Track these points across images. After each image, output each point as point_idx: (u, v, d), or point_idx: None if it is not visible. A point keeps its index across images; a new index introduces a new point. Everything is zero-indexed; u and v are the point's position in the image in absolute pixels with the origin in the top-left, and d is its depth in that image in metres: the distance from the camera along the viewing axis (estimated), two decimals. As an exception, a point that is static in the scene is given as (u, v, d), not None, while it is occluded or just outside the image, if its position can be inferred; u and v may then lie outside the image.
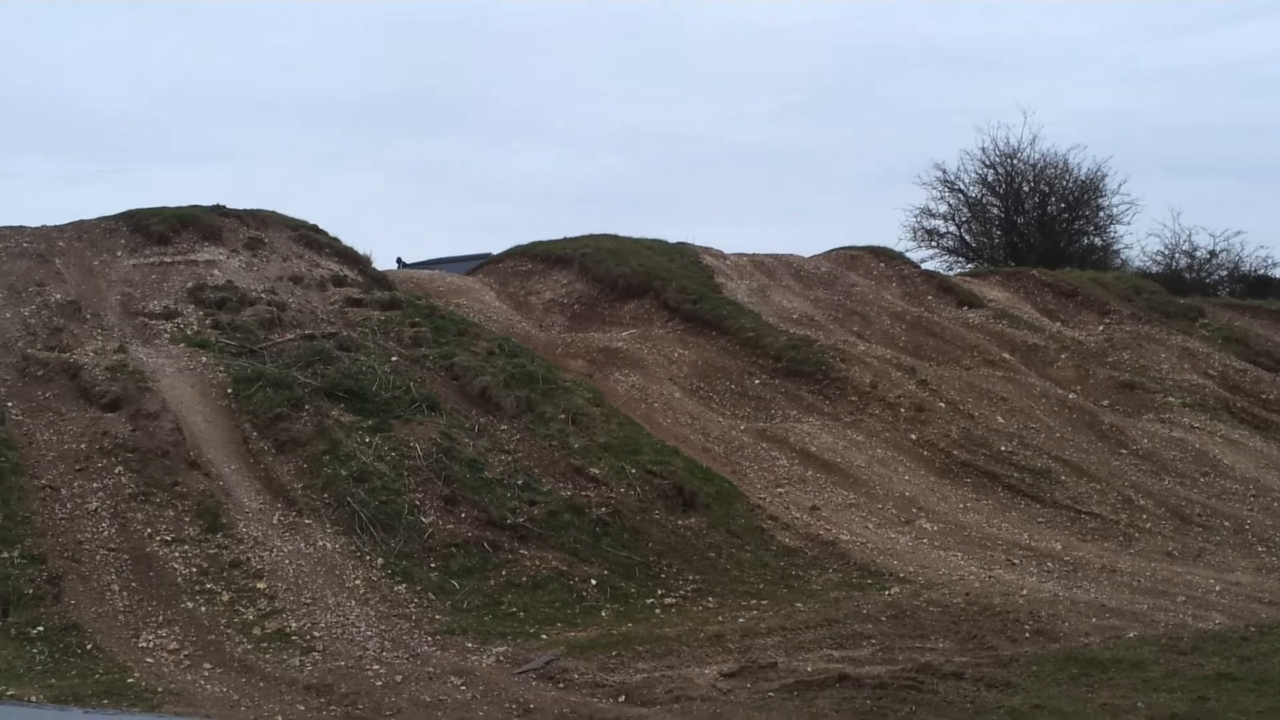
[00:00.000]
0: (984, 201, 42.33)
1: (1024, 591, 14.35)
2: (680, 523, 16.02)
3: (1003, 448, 20.08)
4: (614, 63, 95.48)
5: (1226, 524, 18.28)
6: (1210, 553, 17.09)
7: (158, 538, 13.98)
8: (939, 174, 41.85)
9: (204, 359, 17.69)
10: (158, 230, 21.59)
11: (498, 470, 16.21)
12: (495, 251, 29.62)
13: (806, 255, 29.59)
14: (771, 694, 10.83)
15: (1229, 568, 16.32)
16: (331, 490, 15.28)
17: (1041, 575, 15.47)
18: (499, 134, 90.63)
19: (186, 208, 22.35)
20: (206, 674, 11.65)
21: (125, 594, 13.03)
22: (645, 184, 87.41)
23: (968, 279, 30.88)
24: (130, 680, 11.19)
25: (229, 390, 16.95)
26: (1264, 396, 24.46)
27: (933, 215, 42.14)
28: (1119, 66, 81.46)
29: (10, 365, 17.12)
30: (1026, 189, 41.60)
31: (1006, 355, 24.56)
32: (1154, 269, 38.82)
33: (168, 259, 20.93)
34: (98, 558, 13.54)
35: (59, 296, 19.22)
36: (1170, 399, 23.37)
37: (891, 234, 56.65)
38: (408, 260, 30.94)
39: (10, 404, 16.18)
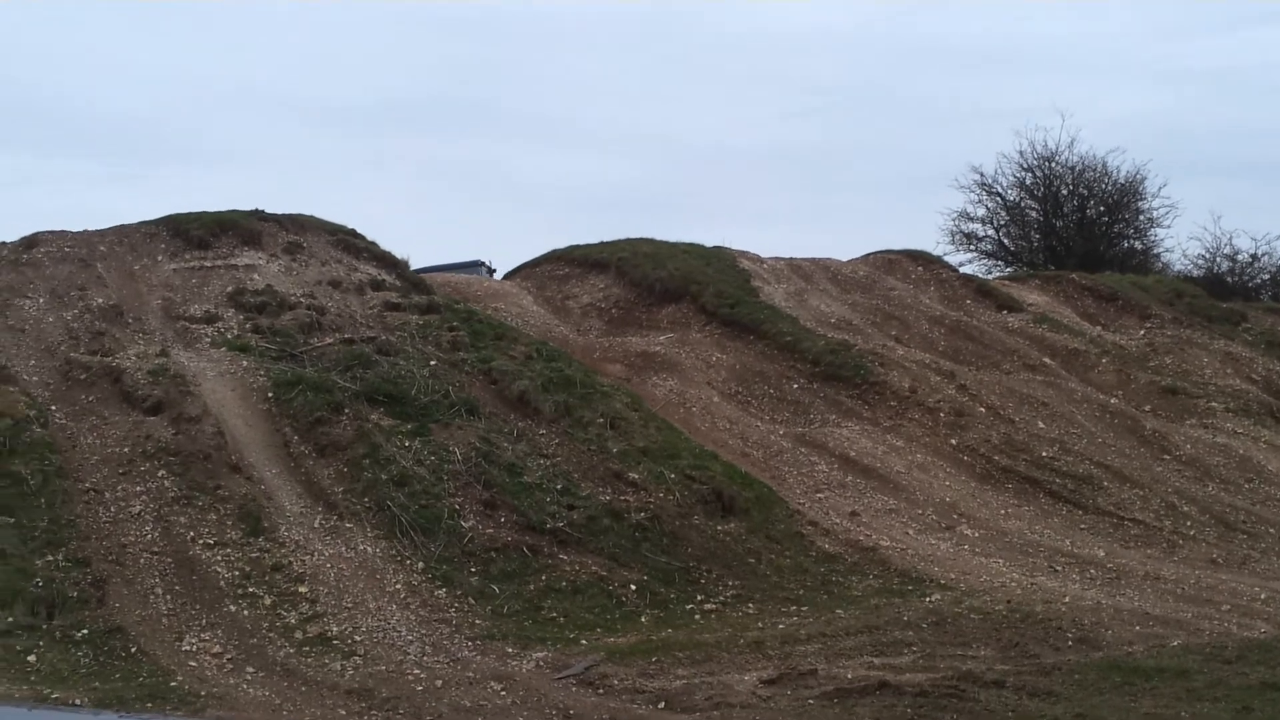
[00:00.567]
0: (1022, 205, 42.19)
1: (1066, 599, 14.24)
2: (719, 528, 15.99)
3: (1044, 453, 19.94)
4: (649, 65, 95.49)
5: (1271, 531, 18.10)
6: (1255, 560, 16.92)
7: (200, 541, 14.04)
8: (976, 177, 41.76)
9: (244, 363, 17.78)
10: (197, 235, 21.73)
11: (537, 475, 16.21)
12: (481, 258, 29.87)
13: (843, 259, 29.53)
14: (811, 701, 10.78)
15: (1274, 575, 16.14)
16: (372, 494, 15.32)
17: (1084, 582, 15.34)
18: (533, 137, 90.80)
19: (225, 212, 22.50)
20: (249, 677, 11.68)
21: (169, 597, 13.09)
22: (680, 187, 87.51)
23: (1006, 283, 30.72)
24: (174, 684, 11.23)
25: (269, 394, 17.03)
26: (1309, 402, 24.20)
27: (970, 219, 42.04)
28: (1158, 66, 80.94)
29: (53, 369, 17.26)
30: (1065, 192, 41.40)
31: (1047, 360, 24.40)
32: (1195, 273, 38.61)
33: (208, 263, 21.06)
34: (141, 561, 13.61)
35: (101, 301, 19.35)
36: (1213, 404, 23.16)
37: (929, 238, 56.64)
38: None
39: (53, 408, 16.30)
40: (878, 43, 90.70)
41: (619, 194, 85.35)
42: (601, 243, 27.98)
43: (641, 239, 27.98)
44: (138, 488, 14.82)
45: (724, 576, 15.09)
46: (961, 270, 32.15)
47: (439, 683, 11.60)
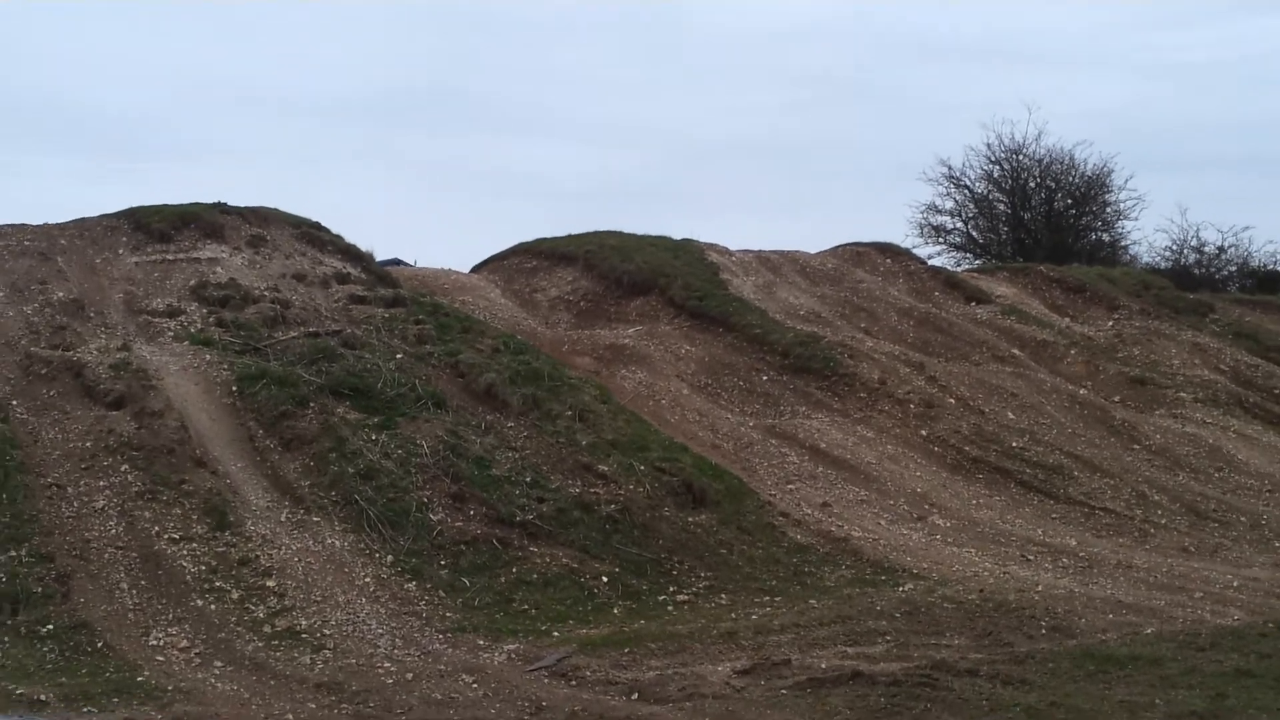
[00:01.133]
0: (990, 198, 42.22)
1: (1039, 588, 14.21)
2: (691, 520, 15.88)
3: (1014, 444, 19.94)
4: (619, 58, 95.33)
5: (1242, 519, 18.15)
6: (1227, 548, 16.95)
7: (166, 536, 13.83)
8: (945, 170, 41.73)
9: (208, 357, 17.55)
10: (159, 228, 21.44)
11: (505, 467, 16.06)
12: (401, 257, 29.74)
13: (812, 252, 29.46)
14: (784, 691, 10.69)
15: (1246, 563, 16.17)
16: (339, 488, 15.13)
17: (1057, 571, 15.33)
18: (506, 131, 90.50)
19: (187, 205, 22.22)
20: (217, 672, 11.50)
21: (134, 592, 12.88)
22: (652, 180, 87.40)
23: (975, 275, 30.75)
24: (140, 678, 11.05)
25: (233, 388, 16.80)
26: (1276, 392, 24.29)
27: (939, 211, 42.05)
28: (1127, 60, 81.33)
29: (14, 364, 16.98)
30: (1033, 185, 41.48)
31: (1016, 351, 24.43)
32: (1162, 265, 38.72)
33: (170, 256, 20.78)
34: (106, 556, 13.39)
35: (62, 295, 19.08)
36: (1182, 394, 23.23)
37: (898, 230, 56.62)
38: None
39: (15, 402, 16.04)
40: (847, 37, 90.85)
41: (591, 187, 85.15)
42: (569, 235, 27.82)
43: (609, 232, 27.86)
44: (101, 483, 14.59)
45: (696, 568, 14.98)
46: (930, 263, 32.18)
47: (409, 675, 11.45)
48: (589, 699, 10.82)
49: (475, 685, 11.24)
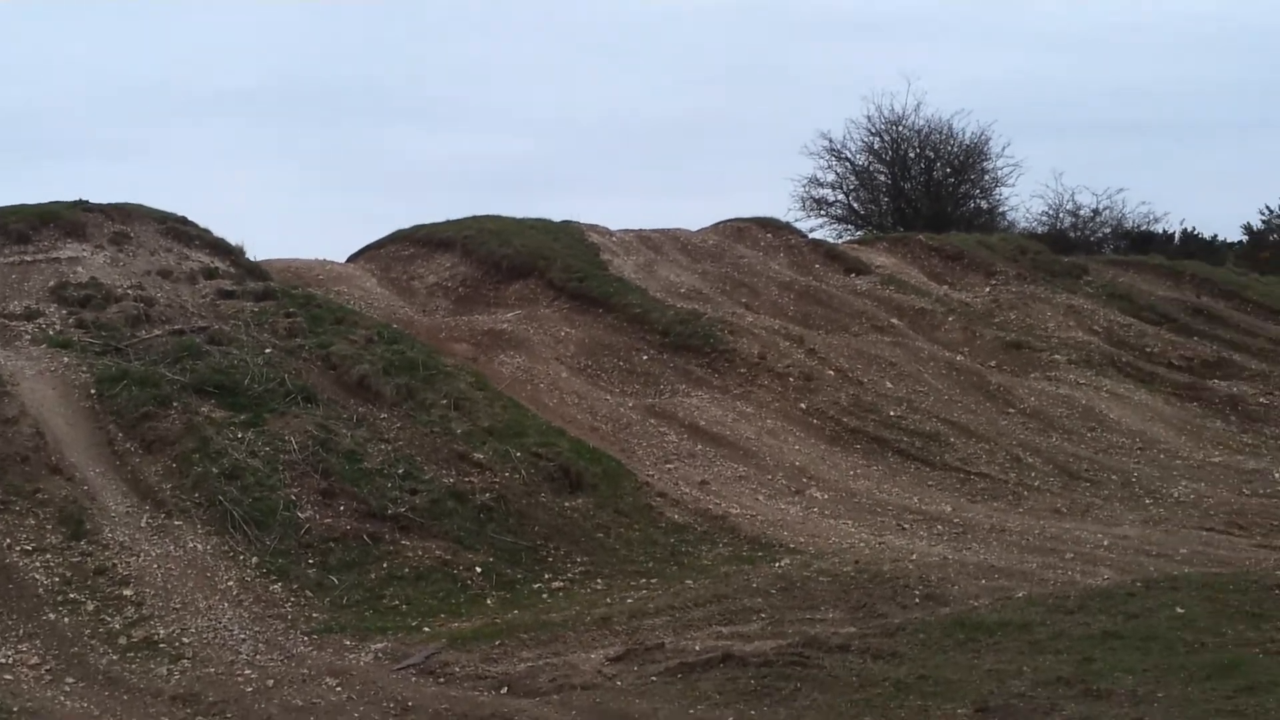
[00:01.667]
0: (871, 169, 42.44)
1: (914, 556, 14.23)
2: (567, 504, 15.69)
3: (891, 413, 20.02)
4: (502, 43, 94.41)
5: (1114, 478, 18.37)
6: (1098, 508, 17.14)
7: (18, 548, 13.33)
8: (826, 143, 41.85)
9: (66, 359, 17.01)
10: (16, 228, 20.76)
11: (377, 460, 15.75)
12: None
13: (694, 229, 29.36)
14: (654, 678, 10.54)
15: (1116, 521, 16.36)
16: (202, 489, 14.72)
17: (931, 539, 15.38)
18: (386, 121, 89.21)
19: (46, 204, 21.55)
20: (68, 689, 11.09)
21: (-17, 608, 12.41)
22: (535, 166, 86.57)
23: (855, 246, 30.87)
24: (-16, 700, 10.63)
25: (92, 390, 16.29)
26: (1148, 350, 24.67)
27: (821, 184, 42.18)
28: (1003, 31, 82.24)
29: None
30: (912, 155, 41.77)
31: (894, 320, 24.56)
32: (1039, 229, 39.22)
33: (28, 257, 20.14)
34: (-46, 571, 12.89)
35: (-88, 300, 18.40)
36: (1056, 357, 23.50)
37: (782, 205, 56.76)
38: None
39: None
40: (735, 17, 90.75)
41: (475, 174, 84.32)
42: (447, 221, 27.44)
43: (488, 216, 27.54)
44: (-50, 495, 14.05)
45: (572, 553, 14.80)
46: (813, 235, 32.32)
47: (270, 682, 11.13)
48: (457, 696, 10.61)
49: (339, 688, 10.95)
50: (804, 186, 42.09)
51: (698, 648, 11.35)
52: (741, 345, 21.77)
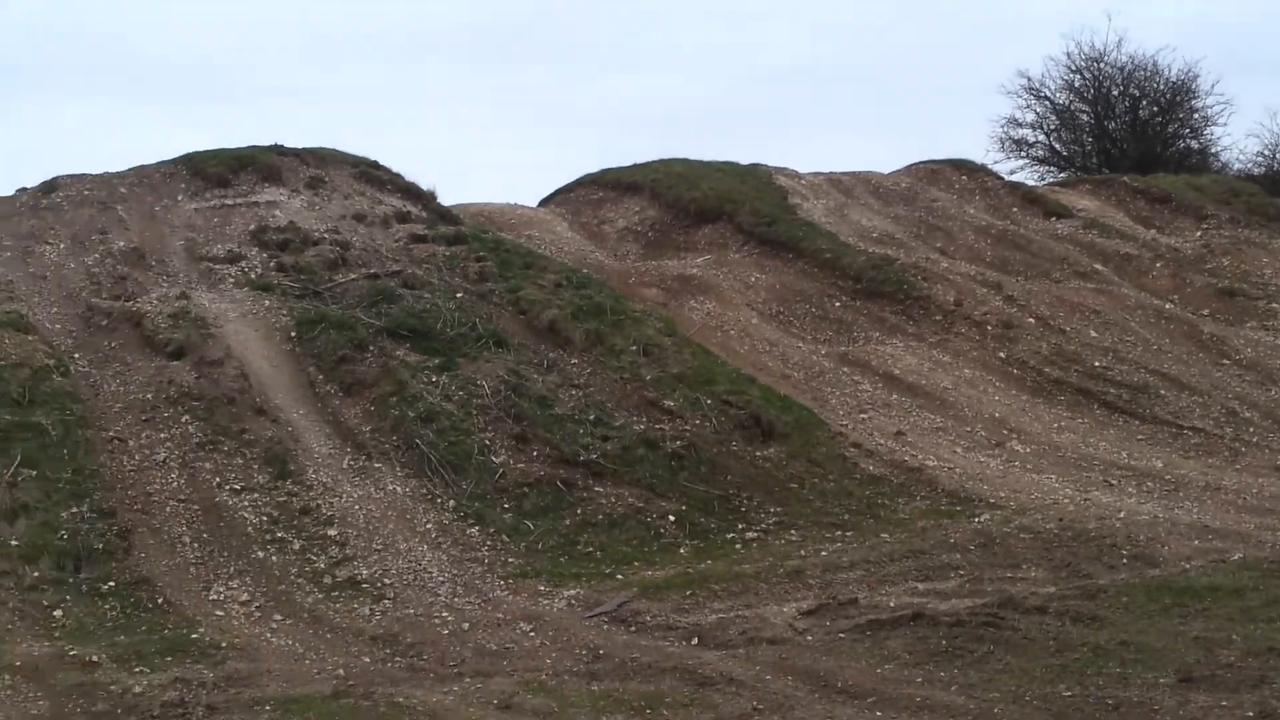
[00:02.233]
0: (1072, 108, 40.91)
1: (1121, 514, 13.65)
2: (759, 454, 15.47)
3: (1097, 363, 19.25)
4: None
5: (1339, 435, 17.38)
6: (1322, 466, 16.23)
7: (227, 487, 13.72)
8: (1024, 82, 40.45)
9: (267, 302, 17.42)
10: (216, 173, 21.31)
11: (568, 406, 15.77)
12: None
13: (886, 172, 28.67)
14: (843, 634, 10.33)
15: (1341, 481, 15.46)
16: (400, 432, 14.94)
17: (1141, 496, 14.74)
18: (575, 62, 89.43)
19: (244, 149, 22.07)
20: (275, 626, 11.37)
21: (196, 545, 12.79)
22: (722, 108, 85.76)
23: (1055, 189, 29.80)
24: (195, 635, 10.94)
25: (292, 334, 16.66)
26: (1374, 298, 23.26)
27: (1020, 125, 40.82)
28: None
29: (74, 316, 16.98)
30: (1116, 93, 40.11)
31: (1098, 266, 23.61)
32: (1254, 171, 37.34)
33: (229, 201, 20.66)
34: (168, 509, 13.32)
35: (122, 244, 19.04)
36: (1274, 305, 22.31)
37: (979, 147, 55.21)
38: None
39: (76, 355, 16.03)
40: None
41: (662, 116, 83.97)
42: (635, 165, 27.30)
43: (675, 159, 27.30)
44: (162, 434, 14.52)
45: (765, 503, 14.58)
46: (1015, 178, 31.29)
47: (466, 625, 11.23)
48: (647, 645, 10.54)
49: (532, 633, 11.01)
50: (1002, 127, 40.82)
51: (892, 604, 11.12)
52: (937, 292, 21.19)
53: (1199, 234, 25.95)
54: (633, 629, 11.08)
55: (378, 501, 13.80)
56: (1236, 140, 72.27)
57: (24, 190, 20.90)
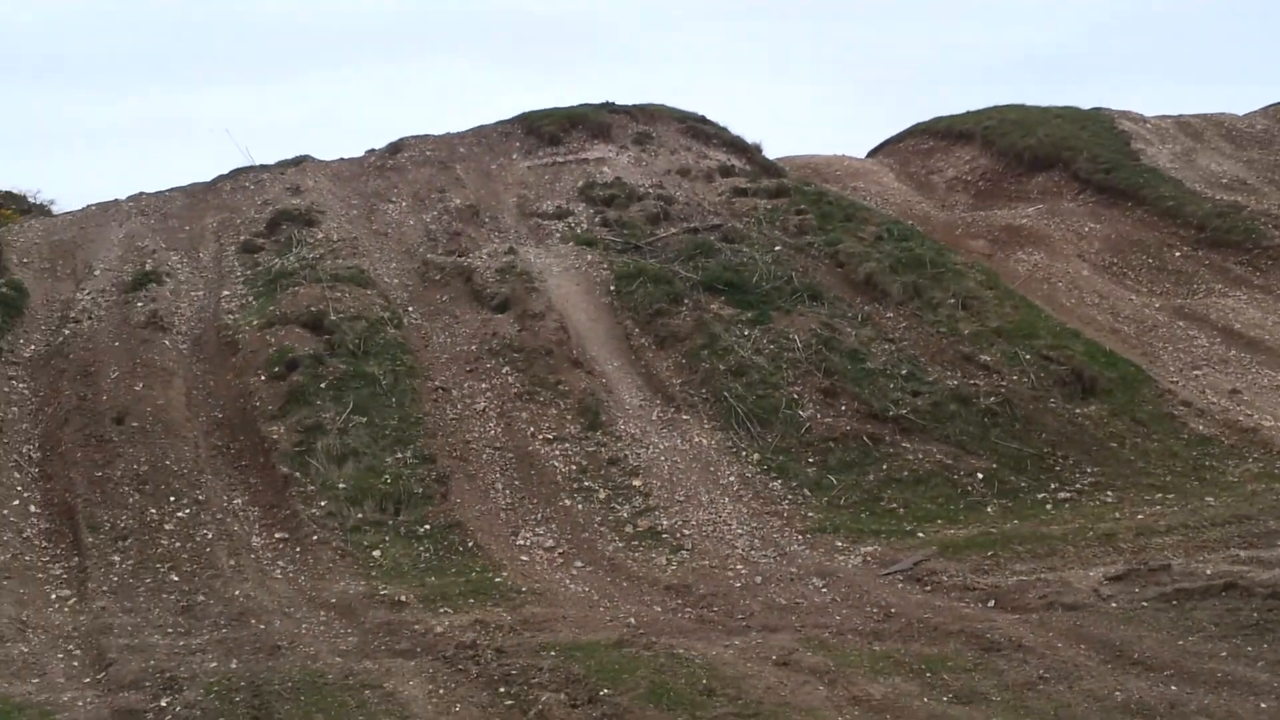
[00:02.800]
0: None
1: None
2: (1078, 411, 14.87)
3: None
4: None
5: None
6: None
7: (540, 436, 14.24)
8: None
9: (589, 257, 17.91)
10: (549, 131, 22.02)
11: (880, 360, 15.57)
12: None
13: (1240, 114, 26.81)
14: (1146, 603, 9.82)
15: None
16: (709, 385, 15.12)
17: None
18: (902, 14, 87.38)
19: (576, 107, 22.70)
20: (574, 573, 11.77)
21: (507, 492, 13.35)
22: (1063, 54, 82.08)
23: None
24: (499, 579, 11.45)
25: (611, 287, 17.09)
26: None
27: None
28: None
29: (411, 271, 17.93)
30: None
31: None
32: None
33: (560, 159, 21.32)
34: (484, 457, 13.94)
35: (458, 201, 19.94)
36: None
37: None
38: None
39: (410, 308, 16.93)
40: None
41: (996, 63, 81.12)
42: (966, 113, 26.57)
43: (1010, 105, 26.39)
44: (483, 384, 15.19)
45: (1081, 463, 14.01)
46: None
47: (759, 579, 11.32)
48: (941, 606, 10.36)
49: (824, 589, 10.99)
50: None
51: (1208, 571, 10.49)
52: (1289, 240, 19.76)
53: None
54: (927, 588, 10.91)
55: (683, 453, 14.03)
56: None
57: (372, 151, 22.18)
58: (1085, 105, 26.31)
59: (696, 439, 14.33)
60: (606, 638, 9.79)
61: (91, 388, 14.82)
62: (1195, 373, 16.33)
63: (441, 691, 8.94)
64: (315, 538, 12.30)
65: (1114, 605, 9.91)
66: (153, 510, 12.77)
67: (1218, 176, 22.85)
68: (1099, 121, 25.17)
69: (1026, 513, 12.97)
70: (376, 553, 12.13)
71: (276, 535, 12.51)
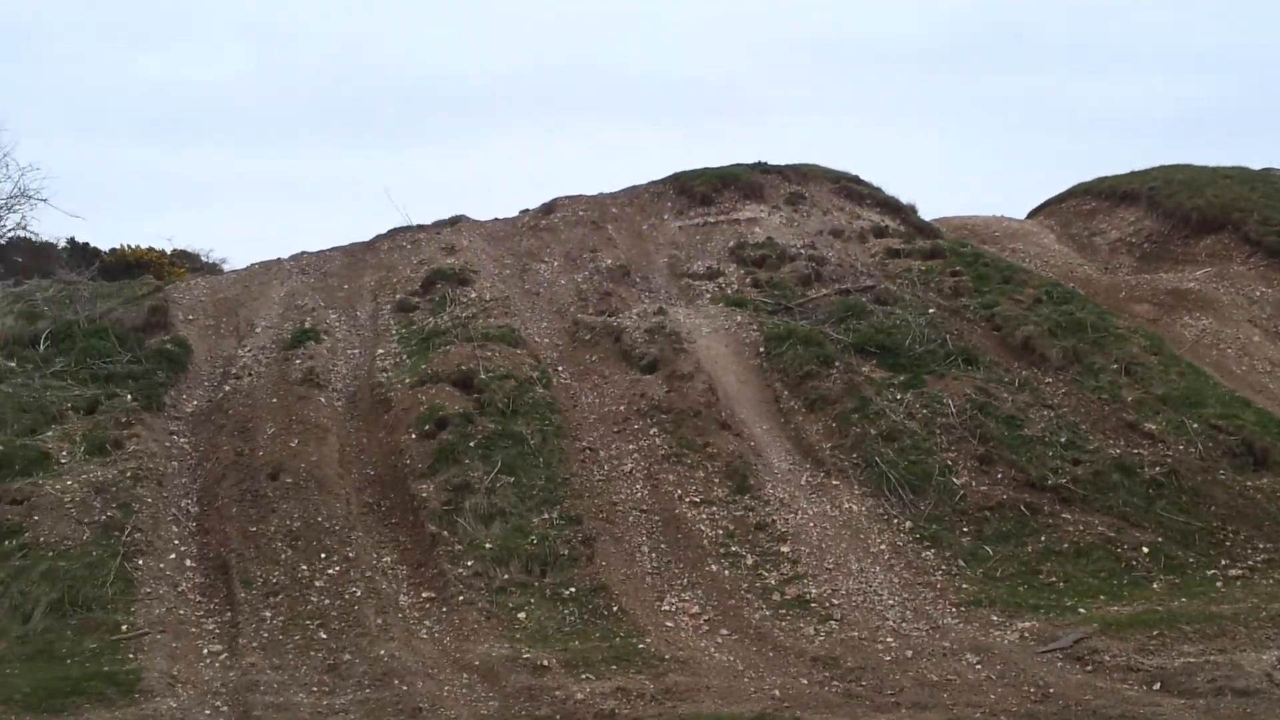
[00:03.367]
0: None
1: None
2: (1249, 484, 14.20)
3: None
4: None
5: None
6: None
7: (687, 499, 14.07)
8: None
9: (739, 318, 17.76)
10: (700, 191, 22.02)
11: (1038, 427, 15.09)
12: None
13: None
14: (1326, 694, 9.25)
15: None
16: (860, 450, 14.80)
17: None
18: (1060, 67, 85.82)
19: (728, 167, 22.68)
20: (720, 641, 11.52)
21: (653, 555, 13.19)
22: (1233, 109, 79.79)
23: None
24: (642, 645, 11.26)
25: (761, 349, 16.90)
26: None
27: None
28: None
29: (561, 330, 17.98)
30: None
31: None
32: None
33: (711, 219, 21.28)
34: (630, 519, 13.81)
35: (610, 261, 19.99)
36: None
37: None
38: None
39: (560, 367, 16.95)
40: None
41: (1164, 120, 79.22)
42: (1131, 173, 25.85)
43: (1176, 165, 25.64)
44: (630, 446, 15.08)
45: (1253, 538, 13.36)
46: None
47: (909, 653, 10.95)
48: (1103, 688, 9.89)
49: (978, 666, 10.57)
50: None
51: (1396, 661, 9.86)
52: None
53: None
54: (1089, 668, 10.44)
55: (833, 519, 13.73)
56: None
57: (526, 211, 22.41)
58: (1254, 165, 25.52)
59: (846, 505, 14.01)
60: (750, 710, 9.54)
61: (249, 443, 15.09)
62: (1378, 445, 15.48)
63: (581, 760, 8.78)
64: (461, 598, 12.28)
65: (1291, 693, 9.37)
66: (304, 566, 12.87)
67: (1399, 239, 21.81)
68: (1270, 182, 24.28)
69: (1195, 590, 12.38)
70: (521, 614, 12.04)
71: (424, 594, 12.52)
